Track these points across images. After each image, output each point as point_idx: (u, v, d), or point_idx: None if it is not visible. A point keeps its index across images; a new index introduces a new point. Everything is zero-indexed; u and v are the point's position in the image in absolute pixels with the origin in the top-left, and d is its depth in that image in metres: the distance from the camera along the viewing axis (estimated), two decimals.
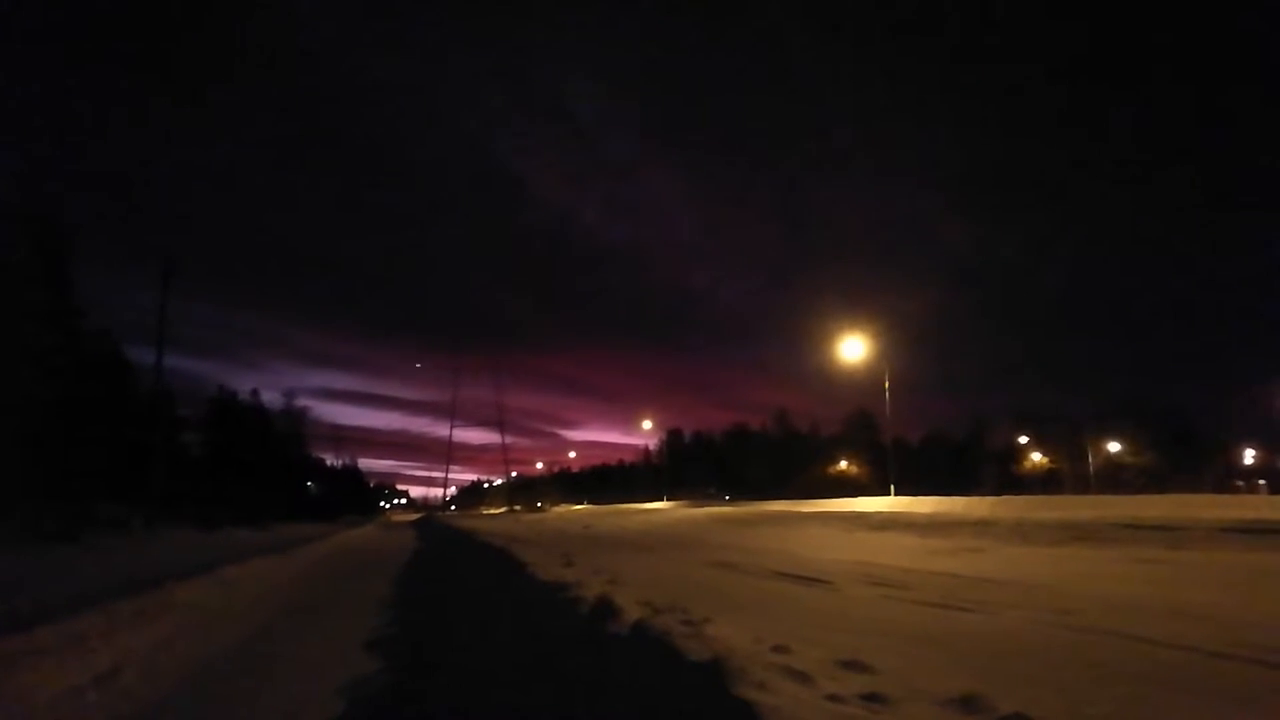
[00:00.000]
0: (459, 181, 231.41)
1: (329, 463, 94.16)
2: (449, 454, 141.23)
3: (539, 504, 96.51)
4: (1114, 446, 74.20)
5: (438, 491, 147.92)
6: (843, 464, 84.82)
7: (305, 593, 12.31)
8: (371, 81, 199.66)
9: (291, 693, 5.51)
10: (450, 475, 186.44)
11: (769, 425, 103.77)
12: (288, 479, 60.31)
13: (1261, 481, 74.07)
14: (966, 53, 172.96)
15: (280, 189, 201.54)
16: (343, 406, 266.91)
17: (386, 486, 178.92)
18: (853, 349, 38.36)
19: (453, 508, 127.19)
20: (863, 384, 57.13)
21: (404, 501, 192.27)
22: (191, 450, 50.38)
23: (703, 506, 44.48)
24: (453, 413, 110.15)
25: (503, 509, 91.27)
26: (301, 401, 75.69)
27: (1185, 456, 74.07)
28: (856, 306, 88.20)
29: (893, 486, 35.76)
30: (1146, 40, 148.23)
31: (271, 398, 68.91)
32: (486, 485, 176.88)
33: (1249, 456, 78.44)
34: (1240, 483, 74.63)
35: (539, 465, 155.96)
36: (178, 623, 8.34)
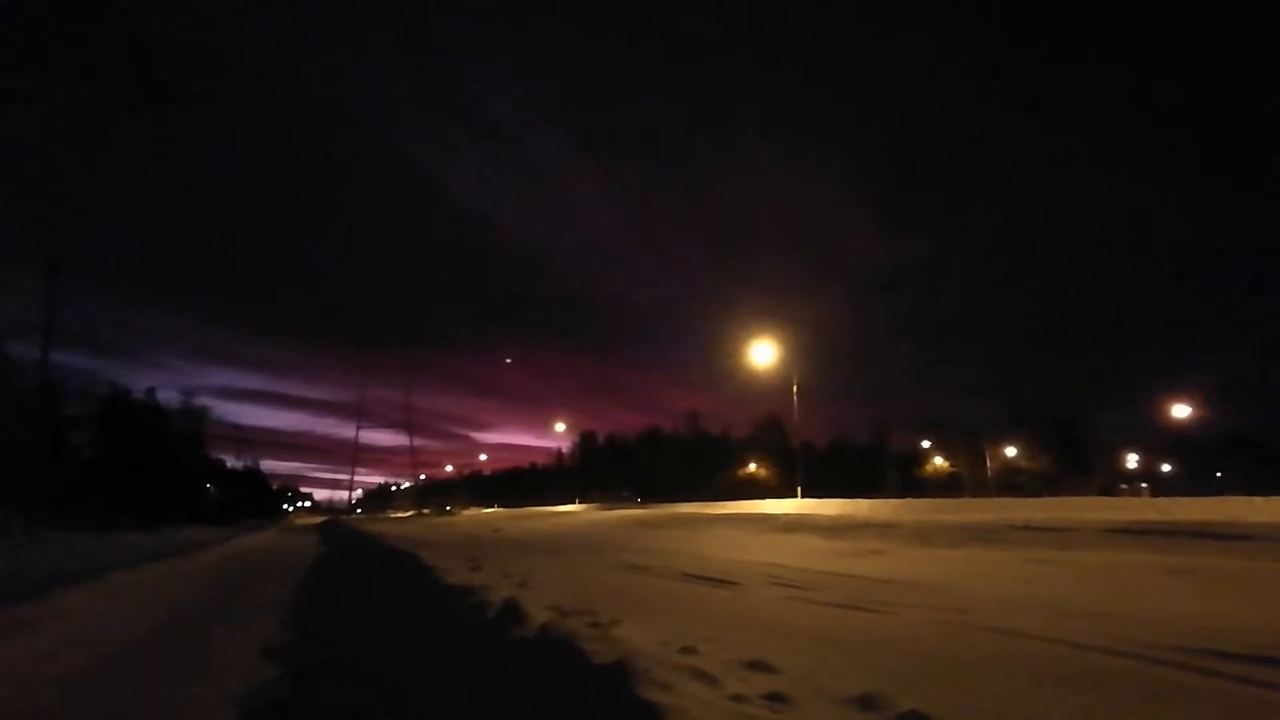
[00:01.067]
0: (371, 179, 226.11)
1: (229, 464, 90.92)
2: (355, 456, 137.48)
3: (448, 507, 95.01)
4: (1011, 451, 77.33)
5: (343, 494, 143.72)
6: (752, 467, 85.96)
7: (200, 599, 11.84)
8: (280, 77, 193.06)
9: (183, 704, 5.30)
10: (356, 478, 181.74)
11: (682, 428, 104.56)
12: (185, 481, 57.95)
13: (1144, 485, 78.38)
14: (881, 63, 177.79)
15: (185, 184, 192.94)
16: (245, 406, 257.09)
17: (290, 489, 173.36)
18: (763, 354, 38.92)
19: (359, 511, 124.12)
20: (773, 389, 58.19)
21: (308, 504, 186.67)
22: (82, 451, 47.97)
23: (615, 509, 44.54)
24: (359, 414, 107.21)
25: (411, 512, 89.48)
26: (201, 401, 72.72)
27: (1076, 461, 77.77)
28: (768, 312, 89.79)
29: (800, 489, 36.40)
30: (1055, 56, 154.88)
31: (169, 397, 66.07)
32: (394, 488, 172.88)
33: (1132, 461, 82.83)
34: (1125, 486, 78.85)
35: (449, 468, 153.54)
36: (61, 633, 7.93)
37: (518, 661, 4.44)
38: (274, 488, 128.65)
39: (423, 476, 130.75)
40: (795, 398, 38.46)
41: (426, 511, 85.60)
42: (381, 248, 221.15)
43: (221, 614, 10.14)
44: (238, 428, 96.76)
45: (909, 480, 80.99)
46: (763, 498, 41.46)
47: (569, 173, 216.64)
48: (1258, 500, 16.84)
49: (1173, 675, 4.28)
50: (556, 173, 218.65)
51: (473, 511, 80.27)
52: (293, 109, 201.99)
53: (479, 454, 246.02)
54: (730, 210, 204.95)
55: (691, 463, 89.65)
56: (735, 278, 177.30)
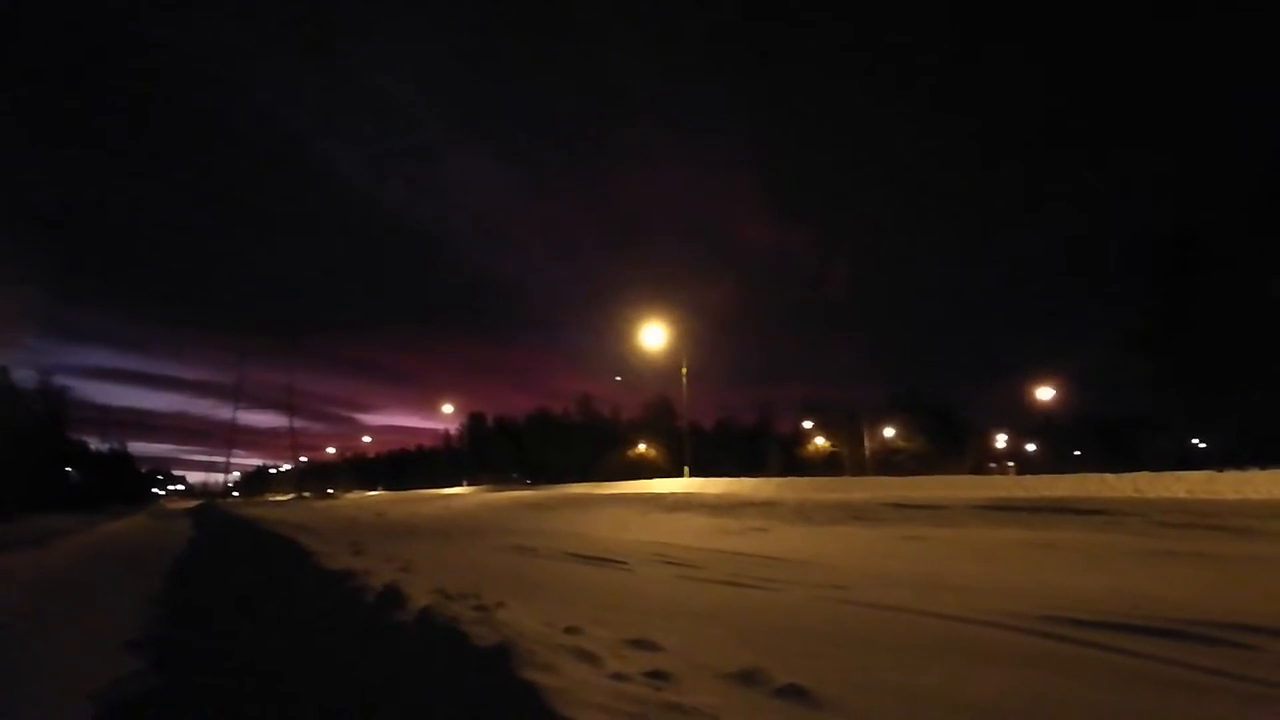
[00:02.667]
0: (254, 154, 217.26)
1: (94, 447, 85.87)
2: (231, 438, 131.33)
3: (330, 490, 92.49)
4: (889, 432, 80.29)
5: (219, 477, 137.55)
6: (642, 448, 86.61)
7: (58, 590, 11.17)
8: (161, 45, 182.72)
9: (42, 702, 4.98)
10: (234, 460, 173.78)
11: (572, 411, 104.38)
12: (42, 466, 54.34)
13: (1011, 464, 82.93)
14: (769, 56, 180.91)
15: (57, 155, 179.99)
16: (114, 387, 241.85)
17: (161, 472, 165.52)
18: (653, 337, 39.13)
19: (235, 494, 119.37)
20: (663, 371, 58.93)
21: (181, 488, 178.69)
22: None
23: (503, 491, 44.18)
24: (237, 395, 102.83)
25: (290, 496, 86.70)
26: (64, 381, 68.42)
27: (949, 441, 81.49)
28: (660, 297, 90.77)
29: (687, 469, 36.88)
30: (944, 52, 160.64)
31: (24, 376, 61.82)
32: (274, 471, 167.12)
33: (1001, 441, 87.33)
34: (994, 465, 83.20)
35: (331, 450, 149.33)
36: None
37: (397, 646, 4.33)
38: (144, 471, 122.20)
39: (303, 459, 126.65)
40: (684, 380, 38.92)
41: (307, 495, 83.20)
42: (264, 224, 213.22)
43: (84, 605, 9.60)
44: (105, 409, 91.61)
45: (792, 460, 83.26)
46: (652, 478, 41.85)
47: (461, 156, 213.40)
48: (1111, 477, 17.95)
49: (1032, 643, 4.50)
50: (449, 155, 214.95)
51: (356, 495, 78.40)
52: (173, 79, 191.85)
53: (363, 436, 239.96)
54: (624, 196, 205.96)
55: (582, 445, 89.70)
56: (628, 263, 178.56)
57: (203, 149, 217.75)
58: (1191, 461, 43.31)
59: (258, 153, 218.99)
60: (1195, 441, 49.96)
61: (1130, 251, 41.98)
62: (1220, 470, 21.02)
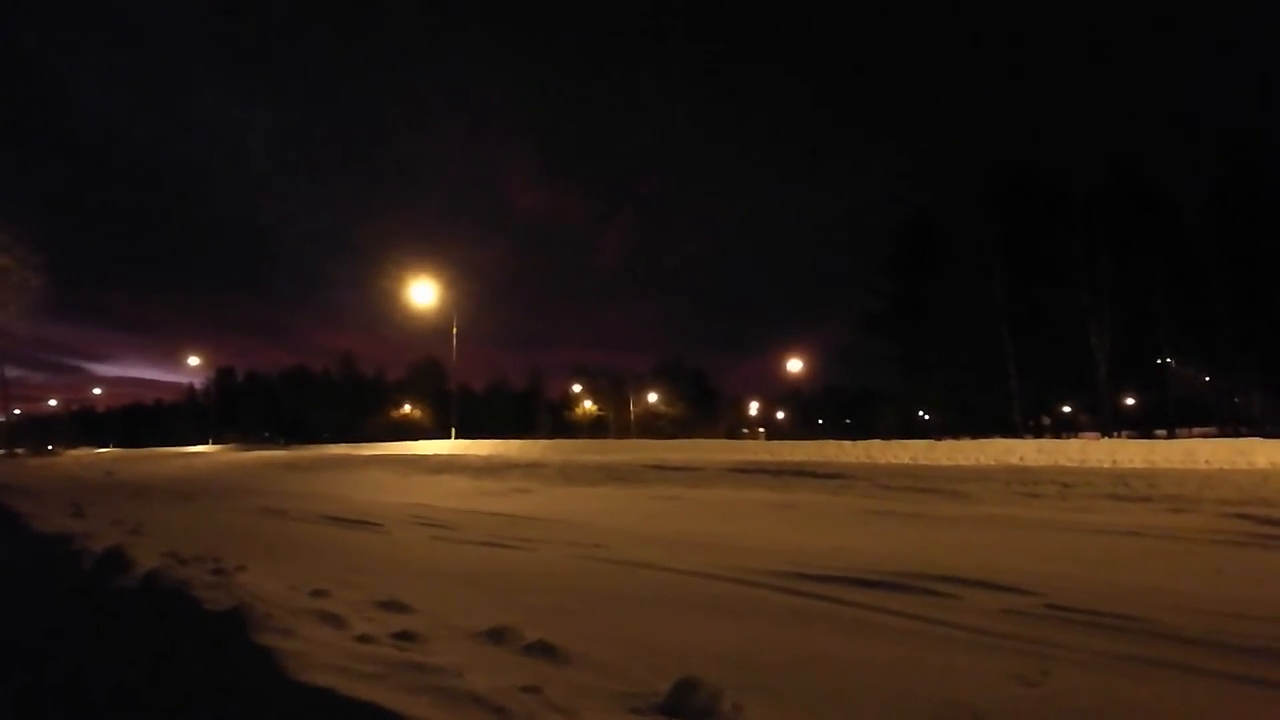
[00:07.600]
0: None
1: None
2: None
3: (50, 447, 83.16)
4: (653, 397, 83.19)
5: None
6: (407, 409, 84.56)
7: None
8: None
9: None
10: None
11: (333, 369, 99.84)
12: None
13: (761, 430, 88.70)
14: (558, 24, 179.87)
15: None
16: None
17: None
18: (422, 294, 37.94)
19: None
20: (431, 331, 57.65)
21: None
22: None
23: (254, 451, 41.62)
24: None
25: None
26: None
27: (707, 408, 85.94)
28: (428, 256, 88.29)
29: (454, 431, 36.37)
30: (727, 31, 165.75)
31: None
32: None
33: (754, 408, 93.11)
34: (746, 430, 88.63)
35: (53, 402, 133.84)
36: None
37: (113, 615, 3.98)
38: None
39: (16, 412, 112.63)
40: (454, 340, 38.22)
41: (20, 451, 74.38)
42: None
43: None
44: None
45: (561, 423, 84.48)
46: (418, 440, 40.91)
47: (221, 93, 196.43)
48: (847, 444, 19.60)
49: (768, 596, 4.85)
50: (207, 92, 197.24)
51: (81, 451, 71.00)
52: None
53: (93, 388, 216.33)
54: (394, 151, 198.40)
55: (343, 404, 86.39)
56: (398, 219, 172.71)
57: None
58: (916, 431, 48.33)
59: None
60: (921, 414, 55.39)
61: (872, 240, 45.96)
62: (939, 439, 23.55)
